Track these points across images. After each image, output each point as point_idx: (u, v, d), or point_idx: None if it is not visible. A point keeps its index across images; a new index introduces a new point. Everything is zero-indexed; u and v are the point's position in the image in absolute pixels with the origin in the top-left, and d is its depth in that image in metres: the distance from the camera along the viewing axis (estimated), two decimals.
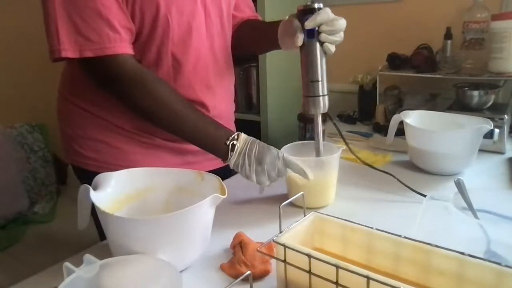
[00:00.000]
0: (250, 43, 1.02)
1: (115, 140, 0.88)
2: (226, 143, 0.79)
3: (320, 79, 0.78)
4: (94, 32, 0.72)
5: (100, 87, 0.82)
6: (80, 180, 0.90)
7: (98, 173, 0.69)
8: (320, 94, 0.78)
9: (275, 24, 0.89)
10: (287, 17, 0.84)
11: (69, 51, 0.72)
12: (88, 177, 0.70)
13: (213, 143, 0.81)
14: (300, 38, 0.76)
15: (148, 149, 0.90)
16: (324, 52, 0.77)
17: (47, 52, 0.74)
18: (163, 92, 0.79)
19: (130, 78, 0.77)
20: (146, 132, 0.89)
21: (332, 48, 0.77)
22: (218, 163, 0.98)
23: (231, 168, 0.81)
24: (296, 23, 0.77)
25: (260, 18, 1.09)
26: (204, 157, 0.94)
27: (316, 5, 0.75)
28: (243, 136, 0.80)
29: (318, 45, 0.76)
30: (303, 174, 0.79)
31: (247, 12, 1.04)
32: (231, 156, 0.79)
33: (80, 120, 0.89)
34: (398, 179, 0.92)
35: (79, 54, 0.73)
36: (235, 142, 0.79)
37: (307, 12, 0.76)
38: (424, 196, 0.86)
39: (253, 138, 0.81)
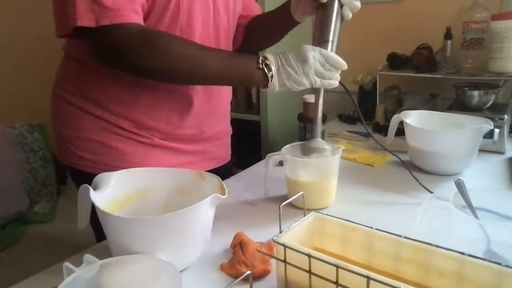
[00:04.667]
0: (262, 32, 1.01)
1: (113, 140, 0.87)
2: (258, 68, 0.77)
3: (331, 39, 0.78)
4: (110, 0, 0.70)
5: (110, 61, 0.78)
6: (76, 181, 0.88)
7: (95, 174, 0.68)
8: None
9: (286, 3, 0.90)
10: None
11: (85, 20, 0.70)
12: (84, 178, 0.69)
13: (246, 75, 0.79)
14: None
15: (146, 149, 0.89)
16: (341, 18, 0.77)
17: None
18: (182, 46, 0.77)
19: (144, 42, 0.74)
20: (145, 130, 0.88)
21: (350, 14, 0.77)
22: (216, 163, 0.98)
23: (277, 90, 0.79)
24: None
25: None
26: (202, 157, 0.93)
27: None
28: (268, 54, 0.79)
29: (338, 6, 0.77)
30: (341, 63, 0.79)
31: (256, 11, 1.05)
32: (272, 76, 0.77)
33: (76, 120, 0.87)
34: (410, 171, 0.93)
35: (96, 23, 0.70)
36: (267, 61, 0.77)
37: None
38: (431, 192, 0.87)
39: (279, 51, 0.80)
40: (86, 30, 0.71)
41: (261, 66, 0.77)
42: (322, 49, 0.78)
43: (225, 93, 1.01)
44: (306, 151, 0.84)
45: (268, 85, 0.78)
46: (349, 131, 1.42)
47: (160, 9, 0.78)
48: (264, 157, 0.88)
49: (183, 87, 0.87)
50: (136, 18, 0.74)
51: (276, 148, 0.91)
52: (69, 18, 0.70)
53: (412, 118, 1.07)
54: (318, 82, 0.78)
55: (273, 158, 0.86)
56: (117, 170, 0.71)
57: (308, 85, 0.78)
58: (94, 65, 0.80)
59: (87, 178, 0.68)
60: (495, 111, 1.22)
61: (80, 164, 0.88)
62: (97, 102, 0.85)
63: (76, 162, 0.88)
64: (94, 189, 0.65)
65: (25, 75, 2.33)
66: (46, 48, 0.71)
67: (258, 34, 1.01)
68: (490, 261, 0.45)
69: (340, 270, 0.45)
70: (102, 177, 0.69)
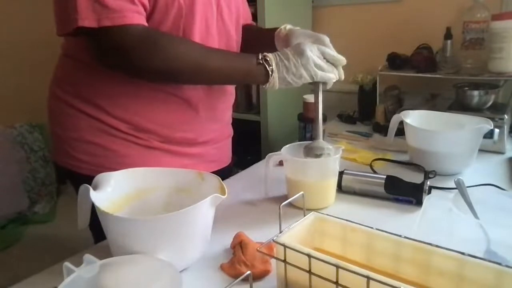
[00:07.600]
0: (247, 49, 1.01)
1: (111, 142, 0.85)
2: (259, 63, 0.80)
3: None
4: (112, 1, 0.70)
5: (113, 63, 0.78)
6: (74, 183, 0.86)
7: (92, 176, 0.67)
8: None
9: (271, 31, 0.95)
10: (283, 28, 0.90)
11: (86, 20, 0.69)
12: (81, 180, 0.67)
13: (247, 72, 0.81)
14: None
15: (144, 152, 0.87)
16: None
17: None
18: (184, 46, 0.78)
19: (147, 42, 0.74)
20: (143, 133, 0.86)
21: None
22: (216, 166, 0.97)
23: (277, 86, 0.81)
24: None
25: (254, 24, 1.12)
26: (201, 159, 0.92)
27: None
28: (266, 53, 0.82)
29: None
30: (339, 58, 0.83)
31: (247, 20, 1.05)
32: (272, 71, 0.80)
33: (73, 121, 0.85)
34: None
35: (97, 24, 0.69)
36: (266, 58, 0.80)
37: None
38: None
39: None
40: (88, 31, 0.70)
41: (261, 62, 0.79)
42: (319, 45, 0.81)
43: (229, 99, 1.00)
44: (309, 153, 0.84)
45: (269, 80, 0.80)
46: (349, 131, 1.42)
47: (162, 10, 0.78)
48: (264, 157, 0.88)
49: (182, 91, 0.86)
50: (139, 19, 0.73)
51: (276, 148, 0.91)
52: (70, 18, 0.70)
53: (412, 118, 1.07)
54: (318, 74, 0.80)
55: (273, 158, 0.86)
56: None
57: (308, 78, 0.80)
58: (92, 65, 0.80)
59: (84, 180, 0.67)
60: (495, 111, 1.22)
61: (77, 166, 0.86)
62: (94, 103, 0.83)
63: (73, 164, 0.87)
64: (94, 189, 0.65)
65: (25, 75, 2.33)
66: (46, 48, 0.71)
67: (254, 45, 1.01)
68: (490, 261, 0.45)
69: (340, 270, 0.45)
70: (102, 177, 0.69)
